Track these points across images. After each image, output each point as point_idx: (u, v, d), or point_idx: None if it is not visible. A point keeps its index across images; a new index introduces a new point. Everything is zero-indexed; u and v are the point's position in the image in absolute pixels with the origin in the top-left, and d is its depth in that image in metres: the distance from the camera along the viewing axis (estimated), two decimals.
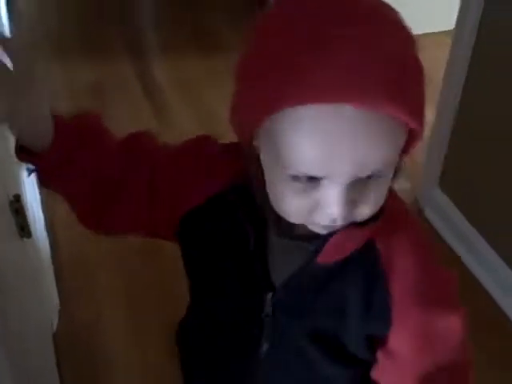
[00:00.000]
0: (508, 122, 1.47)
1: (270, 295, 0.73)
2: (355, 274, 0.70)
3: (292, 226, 0.68)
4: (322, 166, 0.57)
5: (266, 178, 0.65)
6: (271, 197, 0.66)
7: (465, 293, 0.69)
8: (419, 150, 1.77)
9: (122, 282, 1.69)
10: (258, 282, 0.74)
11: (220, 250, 0.75)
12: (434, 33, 1.71)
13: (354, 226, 0.65)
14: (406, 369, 0.74)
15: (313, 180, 0.60)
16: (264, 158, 0.64)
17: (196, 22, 2.81)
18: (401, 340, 0.72)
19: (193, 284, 0.82)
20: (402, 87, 0.56)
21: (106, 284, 1.67)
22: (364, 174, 0.59)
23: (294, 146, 0.58)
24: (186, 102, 2.28)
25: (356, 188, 0.60)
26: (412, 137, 0.62)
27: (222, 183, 0.73)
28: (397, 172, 0.66)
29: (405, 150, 0.63)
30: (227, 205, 0.72)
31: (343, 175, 0.58)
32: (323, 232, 0.66)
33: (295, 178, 0.60)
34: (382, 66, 0.55)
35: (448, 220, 1.72)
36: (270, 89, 0.56)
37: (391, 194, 0.67)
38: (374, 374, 0.78)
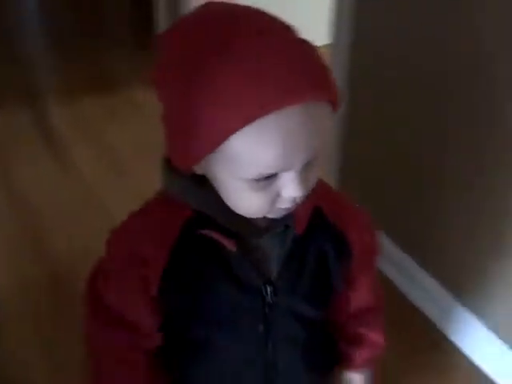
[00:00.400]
0: (390, 123, 1.59)
1: (270, 288, 0.78)
2: (318, 234, 0.79)
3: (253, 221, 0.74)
4: (284, 161, 0.62)
5: (222, 191, 0.69)
6: (232, 205, 0.69)
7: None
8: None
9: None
10: (254, 281, 0.77)
11: (212, 277, 0.77)
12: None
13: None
14: (363, 286, 0.90)
15: (271, 176, 0.64)
16: (217, 176, 0.67)
17: (90, 62, 2.81)
18: (358, 266, 0.86)
19: (186, 337, 0.83)
20: (321, 76, 0.63)
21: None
22: (314, 155, 0.65)
23: (256, 156, 0.61)
24: (86, 143, 2.26)
25: (304, 168, 0.66)
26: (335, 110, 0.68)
27: (176, 229, 0.75)
28: None
29: None
30: (193, 240, 0.74)
31: (300, 162, 0.64)
32: (280, 215, 0.71)
33: (255, 180, 0.64)
34: (301, 65, 0.61)
35: None
36: (214, 122, 0.60)
37: None
38: (338, 306, 0.90)
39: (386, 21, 1.51)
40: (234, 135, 0.60)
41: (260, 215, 0.70)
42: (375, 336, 0.95)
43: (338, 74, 1.71)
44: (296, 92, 0.59)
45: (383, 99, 1.59)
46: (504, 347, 1.40)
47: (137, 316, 0.81)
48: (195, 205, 0.73)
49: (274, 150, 0.61)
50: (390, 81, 1.54)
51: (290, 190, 0.66)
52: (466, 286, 1.48)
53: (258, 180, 0.64)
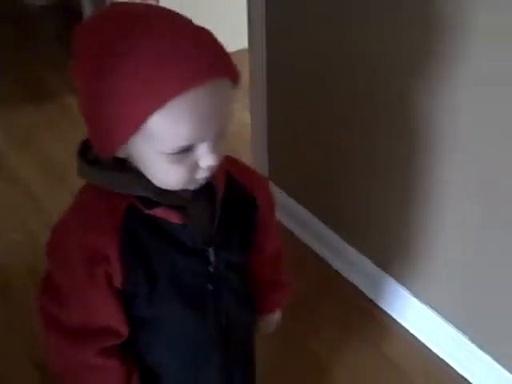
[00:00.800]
0: (311, 109, 1.68)
1: (211, 248, 0.86)
2: (231, 192, 0.87)
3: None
4: (196, 135, 0.71)
5: (147, 168, 0.76)
6: (157, 180, 0.76)
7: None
8: (246, 153, 1.96)
9: None
10: (199, 246, 0.85)
11: (164, 250, 0.82)
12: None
13: None
14: (272, 231, 1.00)
15: (188, 148, 0.72)
16: (140, 155, 0.74)
17: (19, 72, 2.81)
18: (265, 213, 0.96)
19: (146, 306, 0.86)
20: (222, 58, 0.72)
21: None
22: (225, 127, 0.74)
23: (175, 131, 0.69)
24: (23, 153, 2.30)
25: (217, 139, 0.74)
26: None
27: (119, 215, 0.79)
28: None
29: None
30: (139, 219, 0.79)
31: (213, 134, 0.72)
32: (199, 186, 0.79)
33: (176, 153, 0.72)
34: (205, 49, 0.70)
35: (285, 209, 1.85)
36: (134, 107, 0.67)
37: None
38: (255, 253, 0.99)
39: (295, 21, 1.62)
40: (152, 116, 0.68)
41: (183, 186, 0.77)
42: (286, 281, 1.09)
43: (257, 74, 1.82)
44: (203, 73, 0.68)
45: (300, 92, 1.70)
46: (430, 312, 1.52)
47: (104, 316, 0.83)
48: (132, 192, 0.78)
49: (190, 125, 0.69)
50: (305, 74, 1.65)
51: (207, 160, 0.74)
52: (389, 255, 1.60)
53: (177, 153, 0.72)
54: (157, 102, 0.67)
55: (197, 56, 0.68)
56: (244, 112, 1.99)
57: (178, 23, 0.72)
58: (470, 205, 1.31)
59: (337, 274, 1.76)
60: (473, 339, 1.43)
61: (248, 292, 1.01)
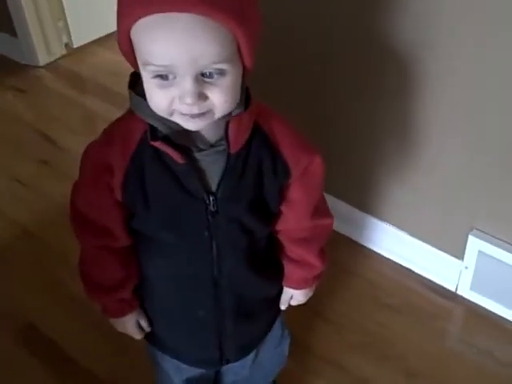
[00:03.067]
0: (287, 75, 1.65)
1: (211, 198, 0.89)
2: (259, 152, 0.89)
3: (190, 136, 0.85)
4: (167, 58, 0.74)
5: (145, 92, 0.80)
6: (149, 103, 0.80)
7: None
8: None
9: None
10: (198, 191, 0.88)
11: (161, 186, 0.88)
12: None
13: (236, 116, 0.84)
14: (302, 207, 0.99)
15: (168, 78, 0.76)
16: (141, 75, 0.80)
17: None
18: (295, 187, 0.96)
19: (144, 235, 0.95)
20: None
21: None
22: (203, 67, 0.75)
23: (145, 44, 0.75)
24: None
25: (204, 82, 0.76)
26: (247, 46, 0.78)
27: (135, 140, 0.87)
28: (247, 75, 0.84)
29: (245, 58, 0.80)
30: (150, 150, 0.86)
31: (186, 66, 0.74)
32: (192, 127, 0.81)
33: (153, 75, 0.76)
34: None
35: None
36: (126, 8, 0.75)
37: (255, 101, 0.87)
38: (280, 225, 1.01)
39: None
40: (133, 27, 0.75)
41: (164, 113, 0.80)
42: (312, 258, 1.06)
43: None
44: (174, 2, 0.71)
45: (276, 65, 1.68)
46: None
47: (106, 220, 0.94)
48: (145, 117, 0.84)
49: (159, 45, 0.74)
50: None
51: (182, 95, 0.76)
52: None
53: (158, 76, 0.76)
54: (131, 17, 0.75)
55: None
56: None
57: None
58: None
59: None
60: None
61: (265, 257, 1.03)
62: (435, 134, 1.42)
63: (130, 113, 0.88)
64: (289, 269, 1.08)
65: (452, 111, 1.36)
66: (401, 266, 1.69)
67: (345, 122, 1.59)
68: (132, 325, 1.07)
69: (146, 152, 0.87)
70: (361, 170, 1.63)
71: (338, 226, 1.72)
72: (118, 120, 0.92)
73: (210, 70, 0.76)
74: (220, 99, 0.79)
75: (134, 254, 1.01)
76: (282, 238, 1.05)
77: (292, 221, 1.01)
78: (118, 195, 0.91)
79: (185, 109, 0.79)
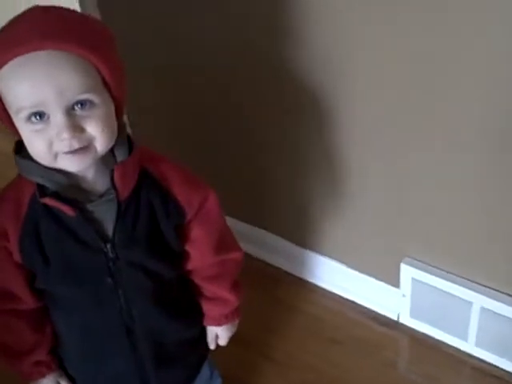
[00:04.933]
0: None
1: (109, 246, 0.90)
2: (149, 195, 0.91)
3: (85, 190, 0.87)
4: (34, 96, 0.76)
5: (25, 144, 0.83)
6: (31, 154, 0.83)
7: None
8: None
9: None
10: (95, 241, 0.89)
11: (57, 241, 0.90)
12: None
13: (120, 163, 0.86)
14: (204, 244, 1.01)
15: (41, 118, 0.78)
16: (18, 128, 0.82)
17: None
18: (194, 226, 0.98)
19: (51, 294, 0.96)
20: (65, 31, 0.78)
21: None
22: (71, 99, 0.77)
23: (12, 89, 0.77)
24: None
25: (77, 116, 0.79)
26: (110, 77, 0.82)
27: (25, 202, 0.89)
28: (119, 110, 0.87)
29: (112, 89, 0.84)
30: (42, 208, 0.87)
31: (54, 103, 0.76)
32: (78, 166, 0.83)
33: (27, 119, 0.78)
34: (43, 27, 0.77)
35: None
36: None
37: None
38: (187, 265, 1.02)
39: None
40: (2, 68, 0.78)
41: (47, 161, 0.82)
42: (225, 294, 1.08)
43: None
44: (28, 42, 0.76)
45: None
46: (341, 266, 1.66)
47: (9, 284, 0.95)
48: (33, 177, 0.86)
49: (23, 85, 0.77)
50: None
51: (59, 131, 0.79)
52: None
53: (31, 118, 0.79)
54: (3, 57, 0.78)
55: (33, 30, 0.77)
56: None
57: (45, 11, 0.81)
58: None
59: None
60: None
61: (178, 299, 1.04)
62: (357, 162, 1.44)
63: (19, 177, 0.90)
64: (206, 307, 1.09)
65: (371, 137, 1.37)
66: (343, 298, 1.69)
67: (270, 158, 1.60)
68: None
69: (38, 211, 0.89)
70: (294, 205, 1.64)
71: (280, 262, 1.76)
72: (7, 186, 0.94)
73: (80, 101, 0.79)
74: (97, 128, 0.81)
75: (46, 315, 1.01)
76: (193, 277, 1.07)
77: (197, 259, 1.03)
78: (17, 257, 0.92)
79: (65, 145, 0.80)
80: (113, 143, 0.86)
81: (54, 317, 1.01)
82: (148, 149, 0.96)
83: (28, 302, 0.97)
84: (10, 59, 0.77)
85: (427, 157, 1.30)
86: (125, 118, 0.96)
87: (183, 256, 1.02)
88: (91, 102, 0.80)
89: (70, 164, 0.83)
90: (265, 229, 1.75)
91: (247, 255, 1.78)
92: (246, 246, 1.74)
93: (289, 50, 1.36)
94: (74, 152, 0.81)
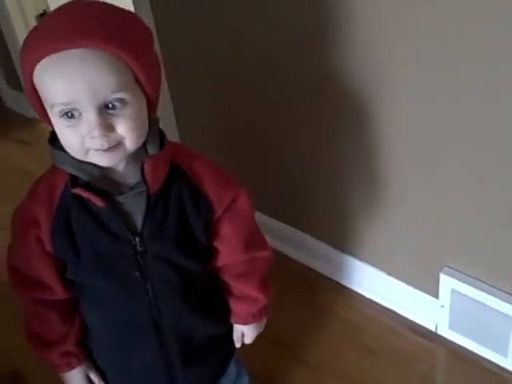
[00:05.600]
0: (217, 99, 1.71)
1: (138, 238, 0.91)
2: (180, 191, 0.92)
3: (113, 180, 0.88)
4: (68, 93, 0.78)
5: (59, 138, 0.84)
6: (64, 147, 0.84)
7: None
8: None
9: None
10: (124, 233, 0.90)
11: (88, 232, 0.91)
12: None
13: (151, 157, 0.87)
14: (233, 241, 1.01)
15: (74, 115, 0.79)
16: (51, 122, 0.83)
17: None
18: (223, 223, 0.98)
19: (82, 287, 0.98)
20: (98, 30, 0.78)
21: None
22: (103, 97, 0.78)
23: (47, 84, 0.79)
24: None
25: (108, 114, 0.80)
26: (143, 74, 0.82)
27: (58, 192, 0.91)
28: (152, 106, 0.88)
29: (145, 87, 0.84)
30: (73, 199, 0.89)
31: (87, 101, 0.78)
32: (108, 163, 0.84)
33: (62, 114, 0.80)
34: (80, 24, 0.78)
35: None
36: (25, 55, 0.81)
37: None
38: (216, 262, 1.03)
39: (181, 14, 1.66)
40: (34, 73, 0.80)
41: (79, 155, 0.84)
42: (253, 292, 1.07)
43: None
44: (64, 40, 0.77)
45: (202, 82, 1.74)
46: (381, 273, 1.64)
47: (41, 274, 0.96)
48: (66, 168, 0.87)
49: (59, 81, 0.78)
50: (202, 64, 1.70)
51: (89, 129, 0.80)
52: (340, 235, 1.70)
53: (64, 115, 0.80)
54: (30, 62, 0.80)
55: (69, 28, 0.78)
56: None
57: (82, 7, 0.82)
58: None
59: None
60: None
61: (206, 295, 1.04)
62: (399, 170, 1.41)
63: (53, 167, 0.92)
64: (233, 305, 1.09)
65: (415, 143, 1.35)
66: (381, 305, 1.66)
67: (313, 159, 1.60)
68: (81, 378, 1.08)
69: (70, 201, 0.91)
70: (335, 209, 1.63)
71: (319, 266, 1.75)
72: (42, 176, 0.96)
73: (112, 101, 0.80)
74: (127, 128, 0.82)
75: (76, 306, 1.03)
76: (222, 275, 1.07)
77: (226, 256, 1.03)
78: (48, 247, 0.94)
79: (96, 144, 0.81)
80: (143, 140, 0.87)
81: (83, 308, 1.03)
82: (181, 145, 0.98)
83: (58, 292, 0.99)
84: (47, 55, 0.78)
85: (468, 168, 1.27)
86: (160, 111, 0.96)
87: (212, 252, 1.03)
88: (123, 101, 0.81)
89: (100, 160, 0.85)
90: (305, 231, 1.75)
91: (287, 257, 1.81)
92: (285, 248, 1.79)
93: (334, 52, 1.35)
94: (104, 150, 0.83)
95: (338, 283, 1.74)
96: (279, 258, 1.82)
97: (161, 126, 0.94)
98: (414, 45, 1.21)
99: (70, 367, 1.06)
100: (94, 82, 0.78)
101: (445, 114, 1.25)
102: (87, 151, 0.83)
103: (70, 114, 0.80)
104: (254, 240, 1.05)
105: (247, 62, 1.56)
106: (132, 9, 1.78)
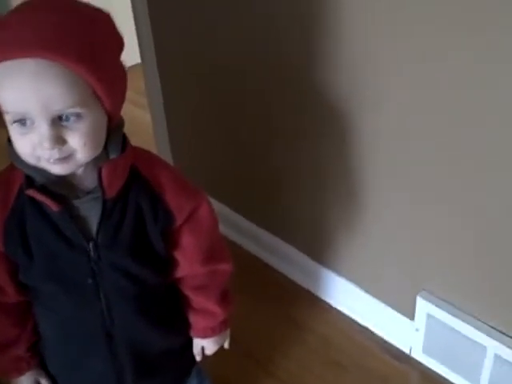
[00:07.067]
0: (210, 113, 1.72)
1: (91, 244, 0.88)
2: (138, 197, 0.89)
3: (71, 185, 0.85)
4: (19, 105, 0.75)
5: None
6: (15, 149, 0.81)
7: None
8: None
9: None
10: (78, 239, 0.87)
11: (41, 235, 0.88)
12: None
13: (109, 161, 0.84)
14: (193, 252, 0.98)
15: (26, 124, 0.76)
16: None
17: None
18: (183, 232, 0.95)
19: (33, 289, 0.94)
20: (58, 41, 0.74)
21: None
22: (55, 110, 0.75)
23: (1, 92, 0.75)
24: None
25: (61, 127, 0.76)
26: (101, 89, 0.78)
27: (13, 191, 0.88)
28: (113, 117, 0.83)
29: (105, 102, 0.80)
30: (29, 200, 0.86)
31: (39, 112, 0.74)
32: (59, 171, 0.81)
33: (14, 121, 0.77)
34: (40, 33, 0.74)
35: None
36: None
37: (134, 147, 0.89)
38: (175, 273, 1.00)
39: (179, 30, 1.66)
40: None
41: (31, 160, 0.81)
42: (211, 306, 1.04)
43: (153, 84, 1.87)
44: (21, 48, 0.73)
45: (197, 96, 1.74)
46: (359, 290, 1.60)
47: None
48: (22, 168, 0.84)
49: (10, 91, 0.75)
50: (197, 77, 1.70)
51: (40, 140, 0.77)
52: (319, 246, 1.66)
53: (17, 122, 0.77)
54: None
55: (27, 35, 0.74)
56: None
57: (54, 8, 0.78)
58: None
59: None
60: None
61: (163, 307, 1.01)
62: (377, 189, 1.38)
63: (11, 165, 0.88)
64: (192, 318, 1.07)
65: (391, 163, 1.32)
66: (356, 322, 1.63)
67: (293, 170, 1.57)
68: None
69: (26, 202, 0.87)
70: (316, 221, 1.59)
71: (295, 275, 1.71)
72: (1, 171, 0.92)
73: (66, 113, 0.77)
74: (79, 142, 0.79)
75: (28, 310, 0.99)
76: (181, 287, 1.04)
77: (186, 267, 1.00)
78: (1, 247, 0.90)
79: (46, 154, 0.79)
80: (99, 151, 0.84)
81: (36, 313, 0.99)
82: (143, 150, 0.94)
83: (10, 294, 0.96)
84: (2, 60, 0.75)
85: (448, 189, 1.24)
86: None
87: (171, 263, 0.99)
88: (77, 115, 0.78)
89: (51, 168, 0.82)
90: (284, 239, 1.71)
91: (267, 265, 1.77)
92: (263, 255, 1.76)
93: (317, 65, 1.32)
94: (54, 161, 0.80)
95: (313, 295, 1.71)
96: (256, 263, 1.81)
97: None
98: (398, 58, 1.18)
99: (20, 372, 1.03)
100: (47, 97, 0.75)
101: (425, 130, 1.21)
102: (39, 159, 0.81)
103: (22, 122, 0.77)
104: (215, 252, 1.02)
105: (237, 72, 1.54)
106: (130, 15, 1.74)
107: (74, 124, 0.78)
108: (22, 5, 0.80)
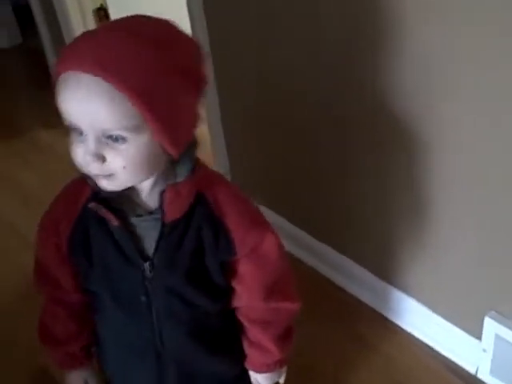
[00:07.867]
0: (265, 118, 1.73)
1: (147, 263, 0.88)
2: (201, 222, 0.87)
3: (134, 204, 0.86)
4: (72, 115, 0.76)
5: None
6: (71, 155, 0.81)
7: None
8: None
9: None
10: (134, 256, 0.88)
11: (102, 247, 0.89)
12: None
13: (173, 185, 0.83)
14: (253, 285, 0.94)
15: (82, 133, 0.77)
16: None
17: None
18: (244, 263, 0.91)
19: (94, 296, 0.97)
20: (116, 63, 0.74)
21: None
22: (102, 131, 0.76)
23: (59, 101, 0.77)
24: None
25: (105, 145, 0.77)
26: (153, 123, 0.77)
27: (81, 202, 0.90)
28: (164, 147, 0.81)
29: (155, 135, 0.78)
30: (91, 214, 0.87)
31: (87, 127, 0.76)
32: (103, 187, 0.81)
33: (71, 129, 0.78)
34: (112, 51, 0.75)
35: None
36: (57, 60, 0.78)
37: (199, 163, 0.87)
38: (234, 302, 0.97)
39: (236, 30, 1.67)
40: (57, 85, 0.78)
41: (84, 169, 0.81)
42: (267, 343, 1.00)
43: (211, 100, 1.87)
44: (78, 61, 0.75)
45: (252, 100, 1.75)
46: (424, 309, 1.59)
47: (57, 273, 0.97)
48: (90, 180, 0.85)
49: (65, 102, 0.77)
50: (253, 81, 1.70)
51: (86, 151, 0.78)
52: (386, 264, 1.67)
53: (74, 129, 0.79)
54: (55, 75, 0.79)
55: (81, 53, 0.76)
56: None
57: (121, 29, 0.79)
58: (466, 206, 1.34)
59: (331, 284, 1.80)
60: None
61: (219, 334, 1.00)
62: (449, 211, 1.38)
63: (81, 176, 0.89)
64: (248, 350, 1.04)
65: (463, 186, 1.32)
66: (420, 340, 1.62)
67: (364, 186, 1.58)
68: (79, 382, 1.08)
69: (91, 213, 0.89)
70: (383, 239, 1.60)
71: (361, 294, 1.72)
72: (68, 184, 0.96)
73: (112, 134, 0.77)
74: (117, 164, 0.79)
75: (89, 314, 1.03)
76: (240, 317, 1.01)
77: (245, 299, 0.97)
78: (65, 252, 0.94)
79: (94, 169, 0.80)
80: (145, 178, 0.84)
81: (95, 317, 1.02)
82: (211, 172, 0.93)
83: (72, 294, 1.00)
84: (63, 71, 0.77)
85: None
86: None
87: (229, 292, 0.97)
88: (123, 138, 0.78)
89: (98, 183, 0.83)
90: (349, 257, 1.72)
91: (331, 283, 1.77)
92: (330, 274, 1.78)
93: (385, 81, 1.33)
94: (96, 175, 0.82)
95: (380, 314, 1.71)
96: (323, 282, 1.82)
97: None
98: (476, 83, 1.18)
99: (71, 367, 1.08)
100: (96, 116, 0.76)
101: (496, 155, 1.22)
102: (89, 171, 0.82)
103: (78, 131, 0.79)
104: (280, 289, 0.97)
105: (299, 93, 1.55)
106: (188, 28, 1.78)
107: (117, 145, 0.78)
108: (111, 22, 0.85)
